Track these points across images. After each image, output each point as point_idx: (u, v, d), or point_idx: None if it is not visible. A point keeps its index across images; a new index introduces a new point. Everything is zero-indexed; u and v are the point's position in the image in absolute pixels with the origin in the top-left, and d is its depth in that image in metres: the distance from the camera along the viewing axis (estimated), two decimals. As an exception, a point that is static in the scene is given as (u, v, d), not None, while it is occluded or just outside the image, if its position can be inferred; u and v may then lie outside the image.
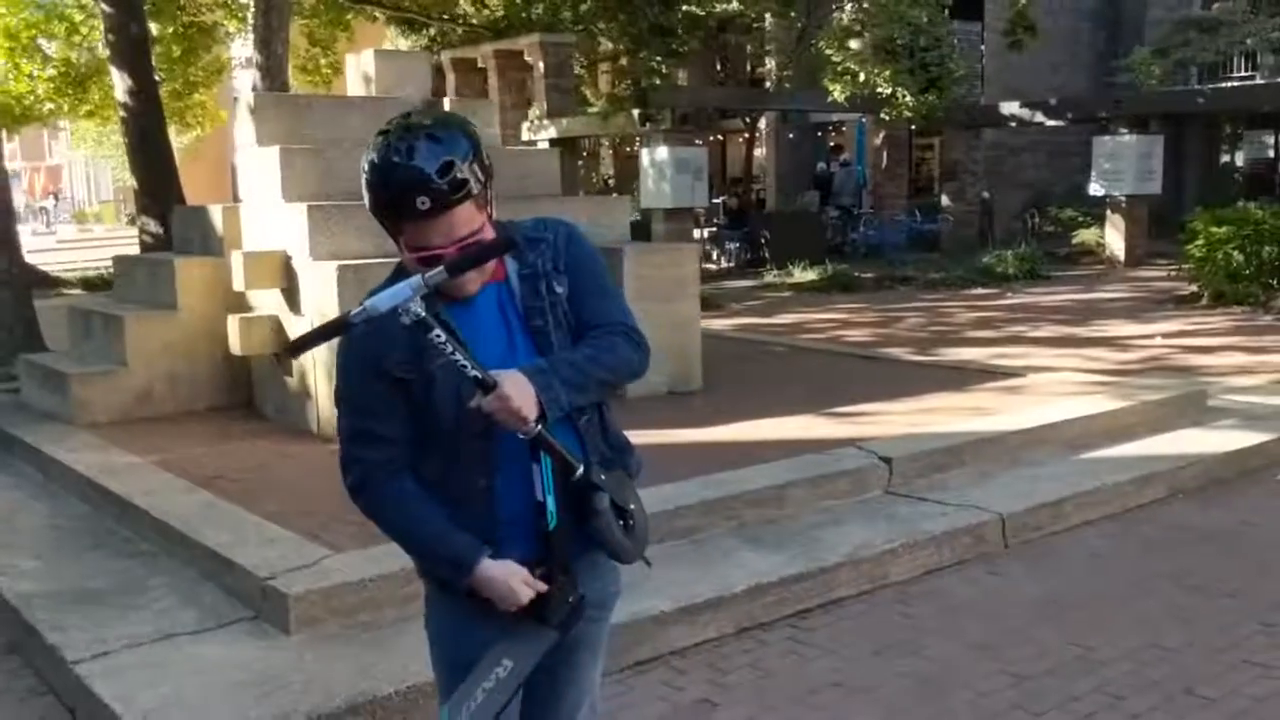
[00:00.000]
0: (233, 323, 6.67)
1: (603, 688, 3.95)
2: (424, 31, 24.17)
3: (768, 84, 23.07)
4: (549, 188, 7.74)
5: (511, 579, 2.18)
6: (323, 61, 23.62)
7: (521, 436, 2.14)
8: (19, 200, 54.15)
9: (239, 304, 6.92)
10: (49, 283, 18.61)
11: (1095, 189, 18.96)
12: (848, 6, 19.16)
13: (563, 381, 2.17)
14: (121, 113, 16.15)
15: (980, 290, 15.84)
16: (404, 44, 25.69)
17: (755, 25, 20.82)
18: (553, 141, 20.14)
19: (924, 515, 5.37)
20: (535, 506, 2.25)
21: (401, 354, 2.18)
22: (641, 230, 18.87)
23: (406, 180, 2.08)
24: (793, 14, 19.34)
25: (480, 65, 21.68)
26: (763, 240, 19.75)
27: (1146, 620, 4.46)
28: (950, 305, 14.45)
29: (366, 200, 2.17)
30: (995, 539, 5.35)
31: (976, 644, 4.30)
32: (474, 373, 2.07)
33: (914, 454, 5.97)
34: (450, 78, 22.62)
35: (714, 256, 20.56)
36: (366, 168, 2.13)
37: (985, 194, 21.92)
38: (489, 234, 2.19)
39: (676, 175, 18.15)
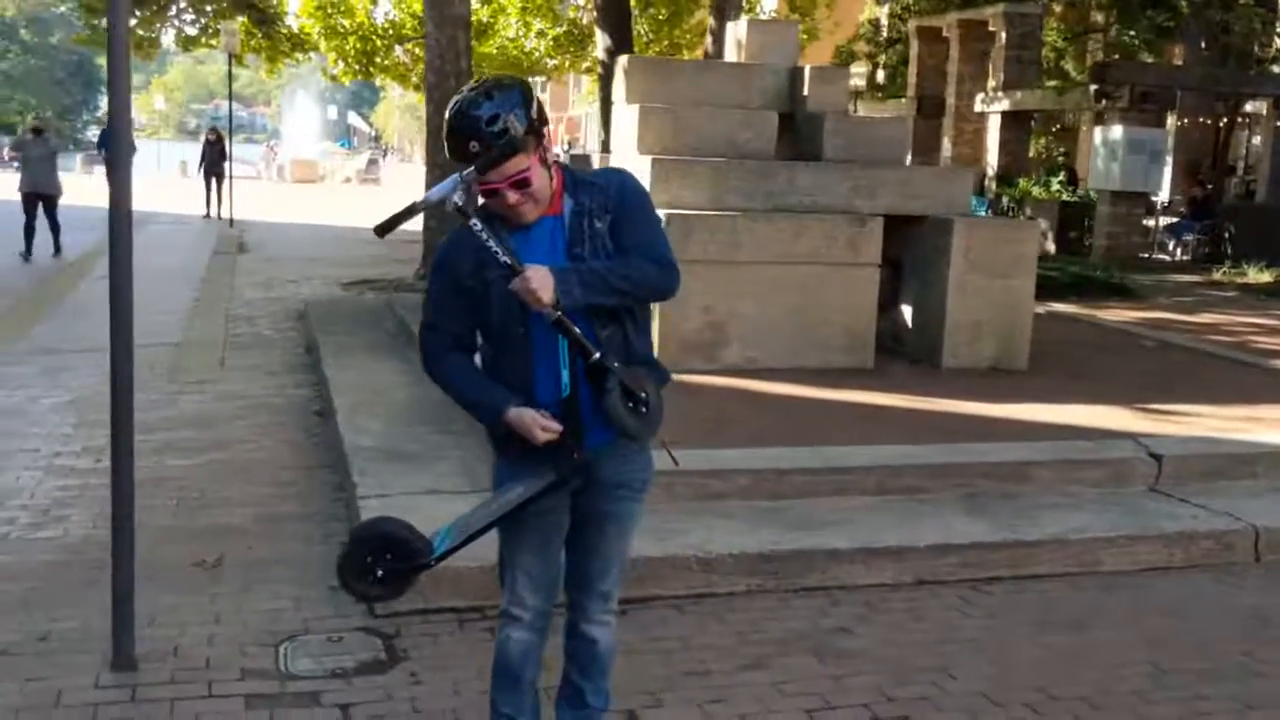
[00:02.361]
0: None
1: (764, 601, 4.46)
2: (899, -1, 24.39)
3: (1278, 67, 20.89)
4: (894, 155, 8.00)
5: (531, 419, 2.76)
6: (801, 27, 24.55)
7: (547, 320, 2.69)
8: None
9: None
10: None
11: None
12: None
13: (579, 279, 2.72)
14: (600, 70, 17.96)
15: None
16: (881, 12, 26.06)
17: (1243, 2, 18.94)
18: (1005, 114, 19.72)
19: (1170, 515, 5.23)
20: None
21: (469, 267, 2.84)
22: (1080, 212, 18.12)
23: (463, 129, 2.71)
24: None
25: (944, 35, 21.55)
26: (1226, 235, 18.16)
27: (1349, 652, 4.18)
28: None
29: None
30: (1245, 550, 5.10)
31: (1145, 637, 4.27)
32: (504, 259, 2.70)
33: (1192, 455, 5.77)
34: (914, 45, 22.70)
35: (1170, 247, 19.21)
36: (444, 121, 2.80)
37: None
38: (537, 173, 2.78)
39: (1129, 157, 17.17)
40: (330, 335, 8.82)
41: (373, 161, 49.51)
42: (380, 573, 2.94)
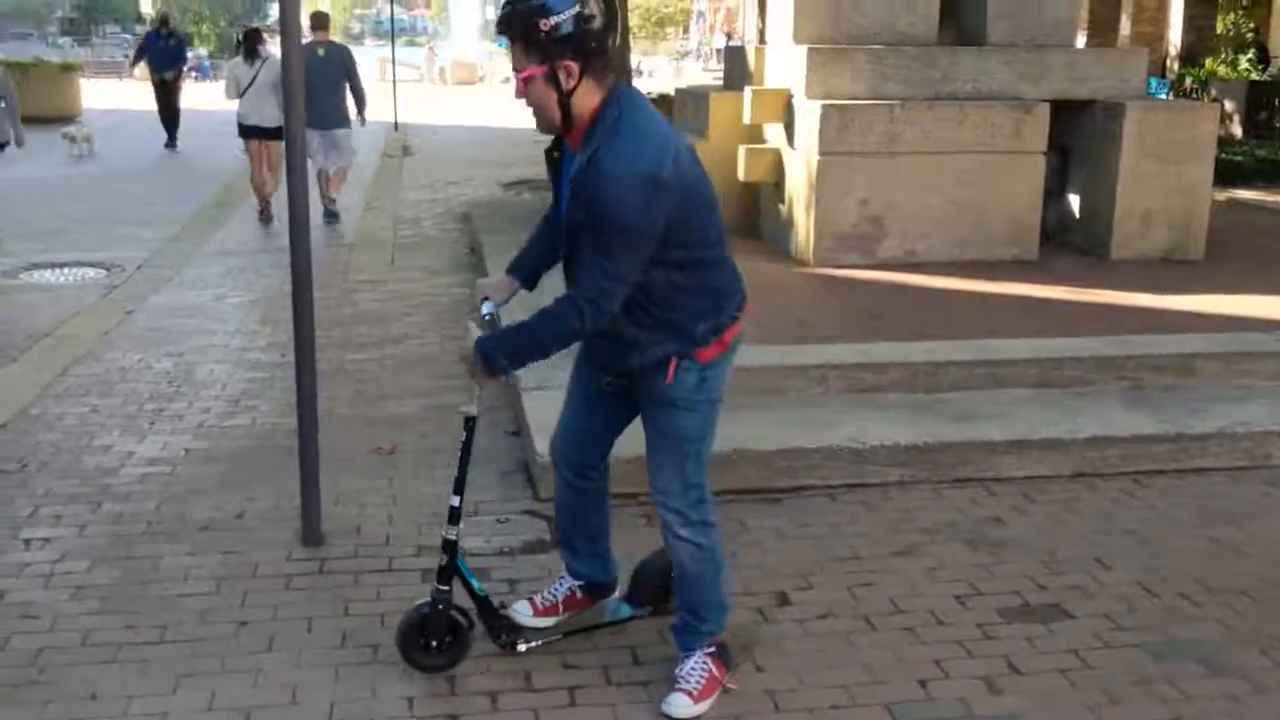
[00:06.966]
0: (741, 152, 7.62)
1: (917, 491, 4.50)
2: None
3: None
4: (1062, 37, 7.66)
5: None
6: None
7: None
8: (694, 39, 59.77)
9: (754, 136, 7.83)
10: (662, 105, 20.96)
11: None
12: None
13: (501, 349, 2.90)
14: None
15: None
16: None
17: None
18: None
19: (1350, 409, 5.02)
20: None
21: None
22: (1270, 93, 16.99)
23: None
24: None
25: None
26: None
27: None
28: None
29: None
30: None
31: (1313, 532, 4.16)
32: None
33: (1380, 348, 5.47)
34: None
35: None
36: None
37: None
38: (536, 86, 2.71)
39: (1328, 31, 15.95)
40: (492, 235, 9.05)
41: (530, 60, 49.46)
42: None
